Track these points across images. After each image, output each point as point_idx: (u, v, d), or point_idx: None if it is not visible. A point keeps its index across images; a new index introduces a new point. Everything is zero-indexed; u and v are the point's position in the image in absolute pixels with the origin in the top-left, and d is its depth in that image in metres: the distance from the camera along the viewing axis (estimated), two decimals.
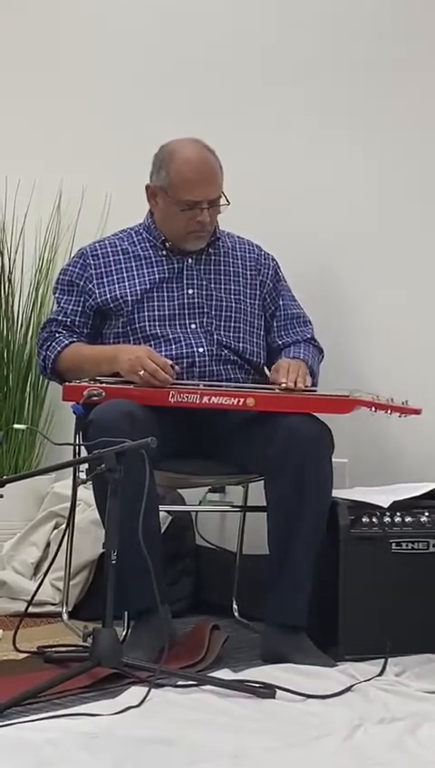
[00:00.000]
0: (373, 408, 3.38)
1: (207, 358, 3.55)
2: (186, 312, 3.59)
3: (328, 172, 3.92)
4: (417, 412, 3.39)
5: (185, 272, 3.62)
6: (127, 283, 3.60)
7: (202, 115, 4.08)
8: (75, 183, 4.39)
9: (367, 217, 3.88)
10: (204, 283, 3.63)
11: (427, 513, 3.43)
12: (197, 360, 3.54)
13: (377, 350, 3.85)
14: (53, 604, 3.83)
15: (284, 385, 3.41)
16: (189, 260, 3.63)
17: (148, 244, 3.65)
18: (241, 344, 3.61)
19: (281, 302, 3.72)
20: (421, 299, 3.79)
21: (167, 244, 3.63)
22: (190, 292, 3.61)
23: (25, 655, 3.32)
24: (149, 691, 2.89)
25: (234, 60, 4.14)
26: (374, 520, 3.40)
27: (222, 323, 3.61)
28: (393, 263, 3.83)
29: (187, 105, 4.19)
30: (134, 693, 2.92)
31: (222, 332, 3.60)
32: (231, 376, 3.57)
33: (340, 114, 3.92)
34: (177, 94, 4.24)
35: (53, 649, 3.33)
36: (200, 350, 3.55)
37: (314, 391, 3.49)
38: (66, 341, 3.59)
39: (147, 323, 3.57)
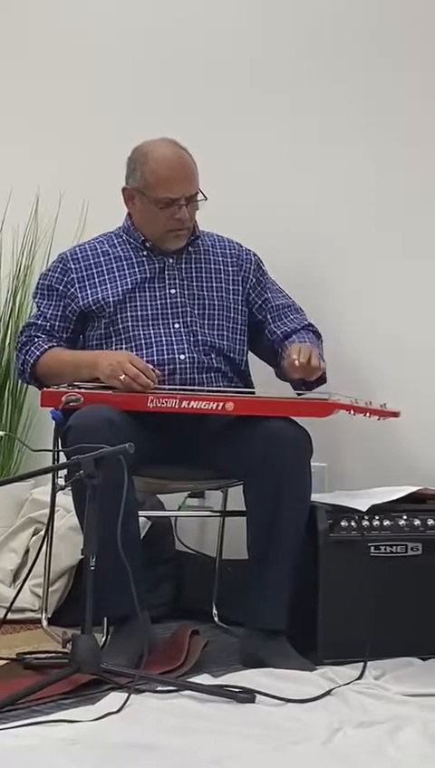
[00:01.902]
0: (352, 412, 3.39)
1: (188, 365, 3.55)
2: (169, 311, 3.59)
3: (321, 173, 3.93)
4: (395, 415, 3.40)
5: (166, 271, 3.62)
6: (108, 285, 3.60)
7: (184, 120, 4.08)
8: (52, 189, 4.38)
9: (358, 218, 3.89)
10: (185, 282, 3.63)
11: (405, 517, 3.44)
12: (178, 366, 3.54)
13: (359, 351, 3.86)
14: (33, 610, 3.82)
15: (296, 362, 3.41)
16: (170, 259, 3.63)
17: (128, 246, 3.65)
18: (224, 342, 3.61)
19: (269, 295, 3.72)
20: (407, 301, 3.81)
21: (147, 244, 3.63)
22: (172, 291, 3.61)
23: (5, 661, 3.31)
24: (128, 697, 2.89)
25: (220, 64, 4.13)
26: (353, 524, 3.40)
27: (205, 322, 3.61)
28: (382, 264, 3.84)
29: (166, 110, 4.19)
30: (114, 699, 2.92)
31: (206, 331, 3.60)
32: (213, 384, 3.57)
33: (334, 115, 3.92)
34: (158, 99, 4.24)
35: (33, 656, 3.33)
36: (182, 356, 3.55)
37: (324, 381, 3.50)
38: (45, 346, 3.59)
39: (130, 324, 3.57)
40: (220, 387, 3.55)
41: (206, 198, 3.57)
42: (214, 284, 3.66)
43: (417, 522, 3.43)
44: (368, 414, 3.38)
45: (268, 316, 3.70)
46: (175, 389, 3.45)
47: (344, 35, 3.91)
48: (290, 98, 3.99)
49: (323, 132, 3.94)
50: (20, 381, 4.13)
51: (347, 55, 3.90)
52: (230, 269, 3.70)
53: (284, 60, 4.02)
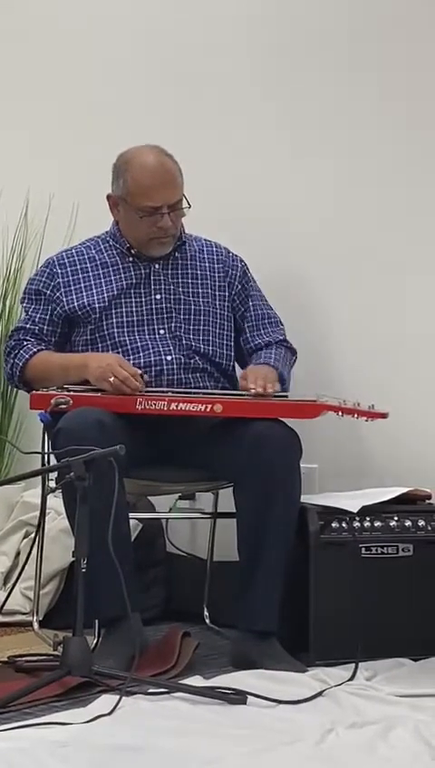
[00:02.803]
0: (340, 413, 3.38)
1: (175, 366, 3.55)
2: (154, 317, 3.59)
3: (317, 173, 3.94)
4: (383, 416, 3.39)
5: (152, 277, 3.62)
6: (94, 291, 3.60)
7: (177, 123, 4.09)
8: (42, 192, 4.38)
9: (339, 220, 3.90)
10: (171, 287, 3.63)
11: (396, 518, 3.44)
12: (165, 368, 3.54)
13: (347, 352, 3.87)
14: (24, 613, 3.82)
15: (253, 391, 3.41)
16: (156, 265, 3.63)
17: (114, 252, 3.65)
18: (210, 347, 3.61)
19: (250, 303, 3.73)
20: (395, 302, 3.81)
21: (132, 250, 3.63)
22: (158, 297, 3.61)
23: None
24: (120, 699, 2.89)
25: (207, 72, 4.14)
26: (344, 525, 3.40)
27: (191, 327, 3.61)
28: (371, 265, 3.85)
29: (155, 115, 4.19)
30: (105, 701, 2.92)
31: (191, 336, 3.60)
32: (200, 384, 3.57)
33: (332, 115, 3.93)
34: (146, 105, 4.24)
35: (24, 659, 3.32)
36: (169, 357, 3.55)
37: (286, 397, 3.49)
38: (34, 349, 3.59)
39: (115, 330, 3.57)
40: (207, 386, 3.55)
41: (190, 206, 3.57)
42: (200, 290, 3.66)
43: (408, 522, 3.44)
44: (356, 415, 3.38)
45: (246, 326, 3.71)
46: (163, 392, 3.45)
47: (343, 35, 3.91)
48: (289, 95, 3.99)
49: (319, 133, 3.94)
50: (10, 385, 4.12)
51: (345, 55, 3.91)
52: (217, 275, 3.70)
53: (284, 60, 4.01)
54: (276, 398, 3.43)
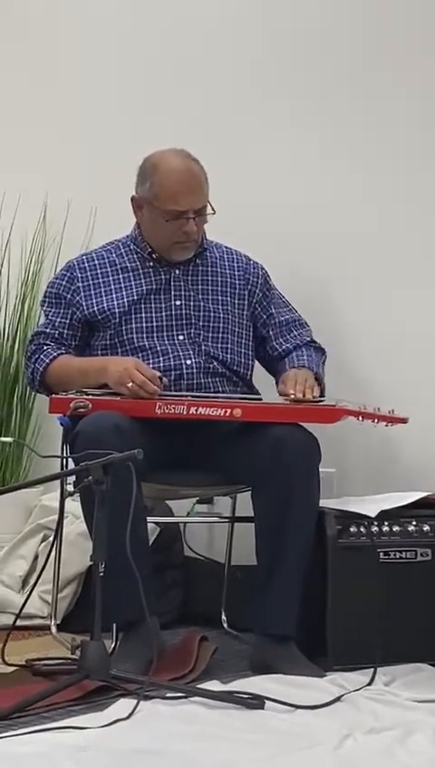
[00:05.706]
0: (360, 418, 3.38)
1: (194, 370, 3.55)
2: (173, 323, 3.60)
3: (322, 172, 3.94)
4: (404, 421, 3.39)
5: (172, 283, 3.62)
6: (114, 296, 3.60)
7: (189, 129, 4.09)
8: (61, 196, 4.39)
9: (355, 220, 3.90)
10: (191, 294, 3.63)
11: (414, 523, 3.43)
12: (185, 372, 3.54)
13: (365, 356, 3.86)
14: (42, 617, 3.82)
15: (293, 396, 3.40)
16: (176, 271, 3.63)
17: (135, 256, 3.65)
18: (229, 355, 3.61)
19: (273, 310, 3.72)
20: (414, 304, 3.80)
21: (154, 255, 3.63)
22: (178, 303, 3.61)
23: (14, 668, 3.31)
24: (137, 703, 2.89)
25: (223, 75, 4.14)
26: (362, 529, 3.40)
27: (210, 334, 3.61)
28: (388, 266, 3.84)
29: (173, 119, 4.20)
30: (123, 705, 2.92)
31: (210, 343, 3.60)
32: (219, 388, 3.57)
33: (334, 116, 3.94)
34: (164, 108, 4.25)
35: (42, 662, 3.32)
36: (188, 362, 3.55)
37: (322, 401, 3.47)
38: (54, 354, 3.59)
39: (135, 335, 3.57)
40: (226, 391, 3.55)
41: (214, 212, 3.57)
42: (220, 297, 3.66)
43: (426, 527, 3.43)
44: (376, 420, 3.38)
45: (271, 332, 3.70)
46: (183, 396, 3.45)
47: (343, 37, 3.92)
48: (290, 95, 4.00)
49: (323, 132, 3.95)
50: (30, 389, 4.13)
51: (347, 56, 3.91)
52: (237, 282, 3.69)
53: (285, 60, 4.02)
54: (314, 403, 3.42)
